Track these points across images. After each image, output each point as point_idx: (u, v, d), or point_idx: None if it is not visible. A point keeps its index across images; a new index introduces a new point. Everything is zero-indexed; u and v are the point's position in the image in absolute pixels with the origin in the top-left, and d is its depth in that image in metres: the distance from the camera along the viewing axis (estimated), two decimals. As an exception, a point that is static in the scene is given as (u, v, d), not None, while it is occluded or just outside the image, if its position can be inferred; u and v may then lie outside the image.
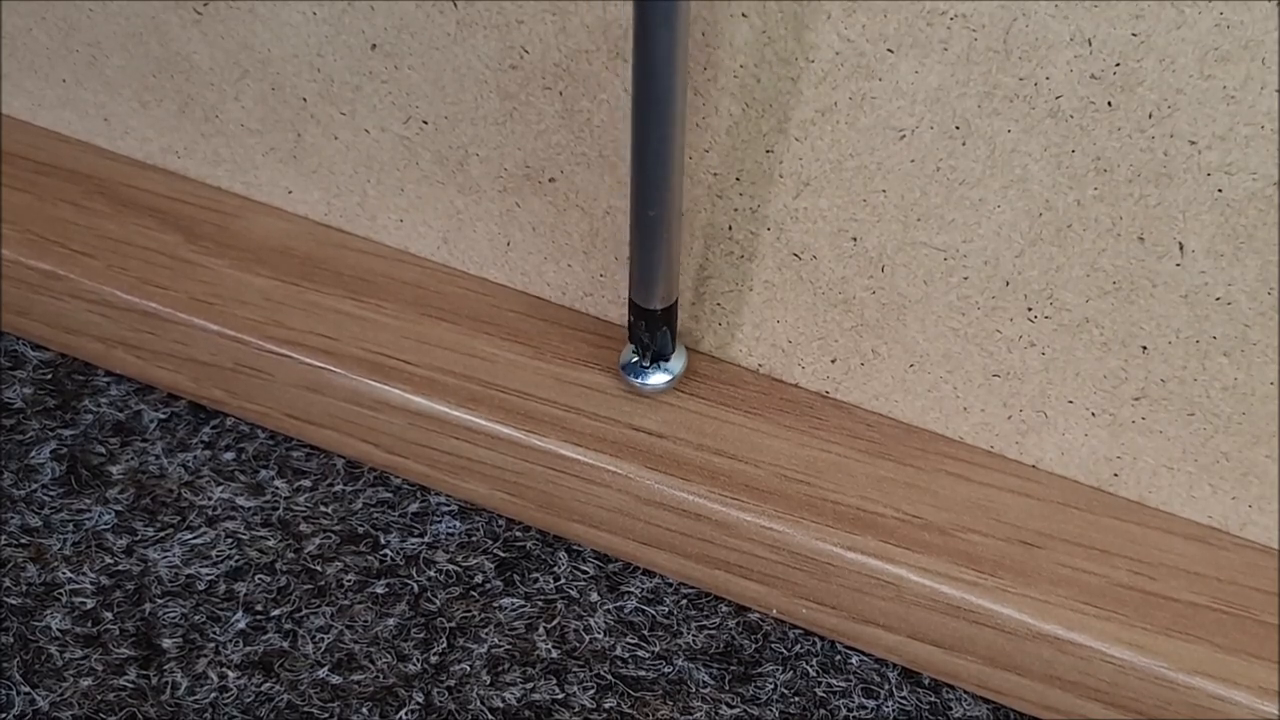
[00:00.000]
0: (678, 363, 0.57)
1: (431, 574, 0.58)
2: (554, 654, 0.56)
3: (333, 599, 0.57)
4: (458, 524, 0.60)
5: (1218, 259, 0.46)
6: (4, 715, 0.54)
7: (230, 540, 0.59)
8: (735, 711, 0.55)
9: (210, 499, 0.61)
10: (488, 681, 0.55)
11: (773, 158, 0.51)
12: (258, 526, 0.60)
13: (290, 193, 0.64)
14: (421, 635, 0.56)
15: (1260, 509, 0.52)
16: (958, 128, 0.47)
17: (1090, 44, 0.43)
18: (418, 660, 0.56)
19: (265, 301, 0.61)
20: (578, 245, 0.58)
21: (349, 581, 0.58)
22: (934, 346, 0.54)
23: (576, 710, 0.54)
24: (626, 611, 0.58)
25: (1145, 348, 0.50)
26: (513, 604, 0.57)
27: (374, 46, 0.56)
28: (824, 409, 0.58)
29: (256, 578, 0.58)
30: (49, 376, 0.65)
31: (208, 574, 0.58)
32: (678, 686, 0.55)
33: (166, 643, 0.56)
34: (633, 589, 0.58)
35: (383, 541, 0.59)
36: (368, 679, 0.55)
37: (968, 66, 0.45)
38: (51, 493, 0.61)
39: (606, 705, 0.55)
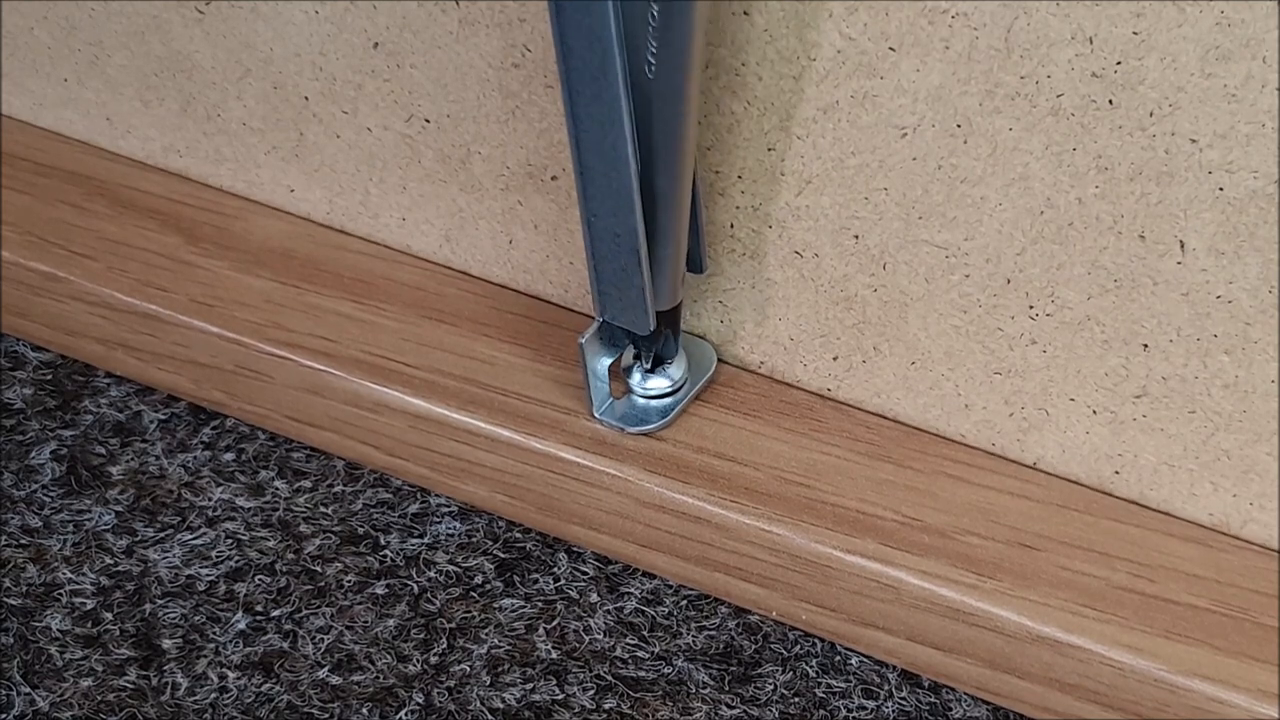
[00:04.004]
0: (678, 368, 0.57)
1: (431, 575, 0.58)
2: (554, 655, 0.56)
3: (333, 600, 0.57)
4: (458, 525, 0.60)
5: (1219, 257, 0.47)
6: (4, 715, 0.54)
7: (230, 541, 0.59)
8: (735, 712, 0.55)
9: (210, 500, 0.61)
10: (488, 682, 0.55)
11: (774, 156, 0.51)
12: (258, 527, 0.60)
13: (292, 191, 0.64)
14: (421, 636, 0.56)
15: (1261, 507, 0.52)
16: (959, 126, 0.47)
17: (1091, 42, 0.43)
18: (418, 661, 0.56)
19: (265, 303, 0.61)
20: (580, 243, 0.58)
21: (349, 582, 0.58)
22: (935, 344, 0.54)
23: (576, 711, 0.54)
24: (626, 612, 0.57)
25: (1146, 345, 0.50)
26: (513, 605, 0.57)
27: (376, 45, 0.56)
28: (823, 411, 0.58)
29: (256, 578, 0.58)
30: (49, 377, 0.65)
31: (208, 574, 0.58)
32: (678, 687, 0.55)
33: (166, 643, 0.56)
34: (632, 590, 0.58)
35: (383, 542, 0.59)
36: (368, 679, 0.55)
37: (969, 65, 0.46)
38: (51, 493, 0.61)
39: (606, 706, 0.55)
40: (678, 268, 0.52)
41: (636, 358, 0.57)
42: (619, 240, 0.50)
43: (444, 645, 0.56)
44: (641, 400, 0.57)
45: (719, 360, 0.59)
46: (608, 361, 0.56)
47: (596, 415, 0.56)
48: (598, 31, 0.43)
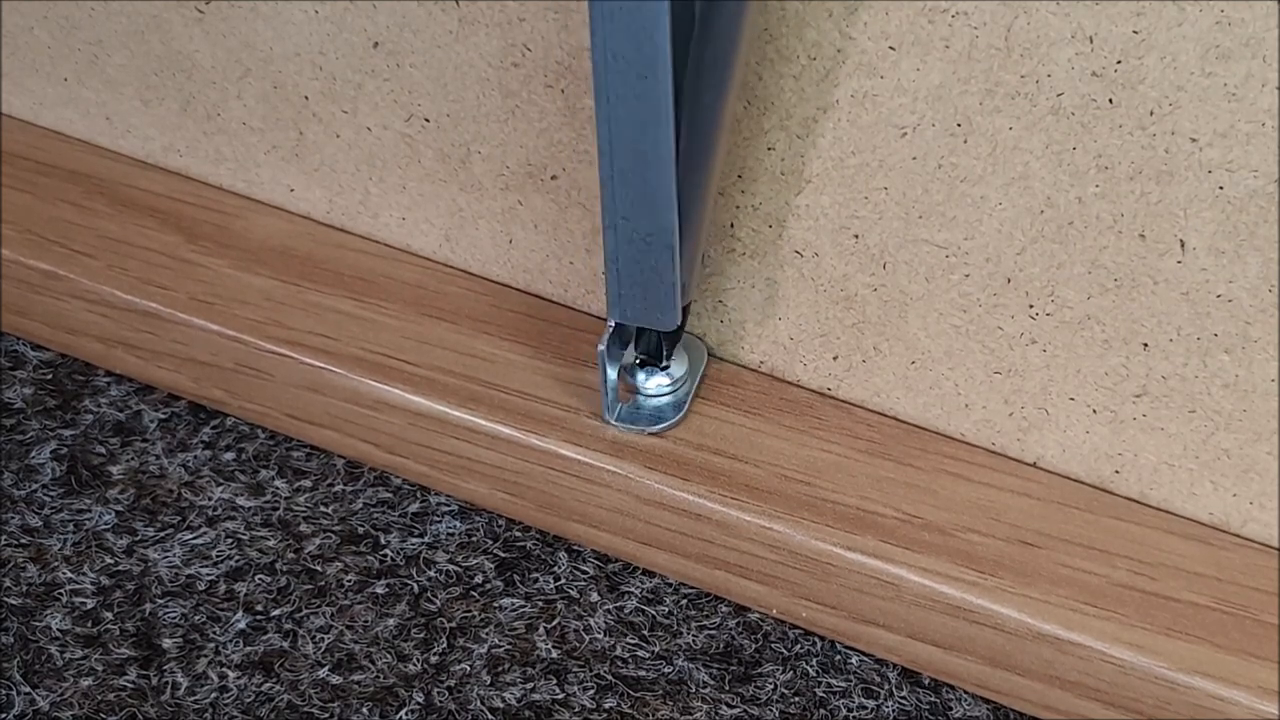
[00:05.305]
0: (679, 365, 0.57)
1: (431, 574, 0.58)
2: (554, 654, 0.56)
3: (333, 599, 0.57)
4: (458, 524, 0.60)
5: (1219, 256, 0.46)
6: (4, 715, 0.54)
7: (230, 540, 0.59)
8: (735, 711, 0.55)
9: (210, 499, 0.61)
10: (488, 681, 0.55)
11: (774, 155, 0.51)
12: (258, 526, 0.60)
13: (292, 191, 0.64)
14: (421, 635, 0.56)
15: (1261, 505, 0.52)
16: (959, 125, 0.47)
17: (1091, 41, 0.43)
18: (418, 660, 0.56)
19: (265, 301, 0.61)
20: (580, 243, 0.58)
21: (349, 581, 0.58)
22: (936, 344, 0.54)
23: (576, 710, 0.54)
24: (626, 611, 0.57)
25: (1146, 345, 0.50)
26: (513, 604, 0.57)
27: (376, 44, 0.56)
28: (824, 409, 0.58)
29: (256, 578, 0.58)
30: (49, 376, 0.65)
31: (208, 574, 0.58)
32: (678, 686, 0.55)
33: (167, 643, 0.56)
34: (633, 589, 0.58)
35: (383, 541, 0.59)
36: (368, 679, 0.55)
37: (969, 64, 0.45)
38: (51, 493, 0.61)
39: (606, 705, 0.55)
40: (696, 262, 0.52)
41: (640, 354, 0.57)
42: (650, 240, 0.49)
43: (444, 645, 0.56)
44: (648, 400, 0.57)
45: (709, 355, 0.59)
46: (618, 365, 0.56)
47: (612, 421, 0.56)
48: (649, 32, 0.42)
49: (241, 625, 0.57)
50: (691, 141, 0.46)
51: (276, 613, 0.57)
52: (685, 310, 0.54)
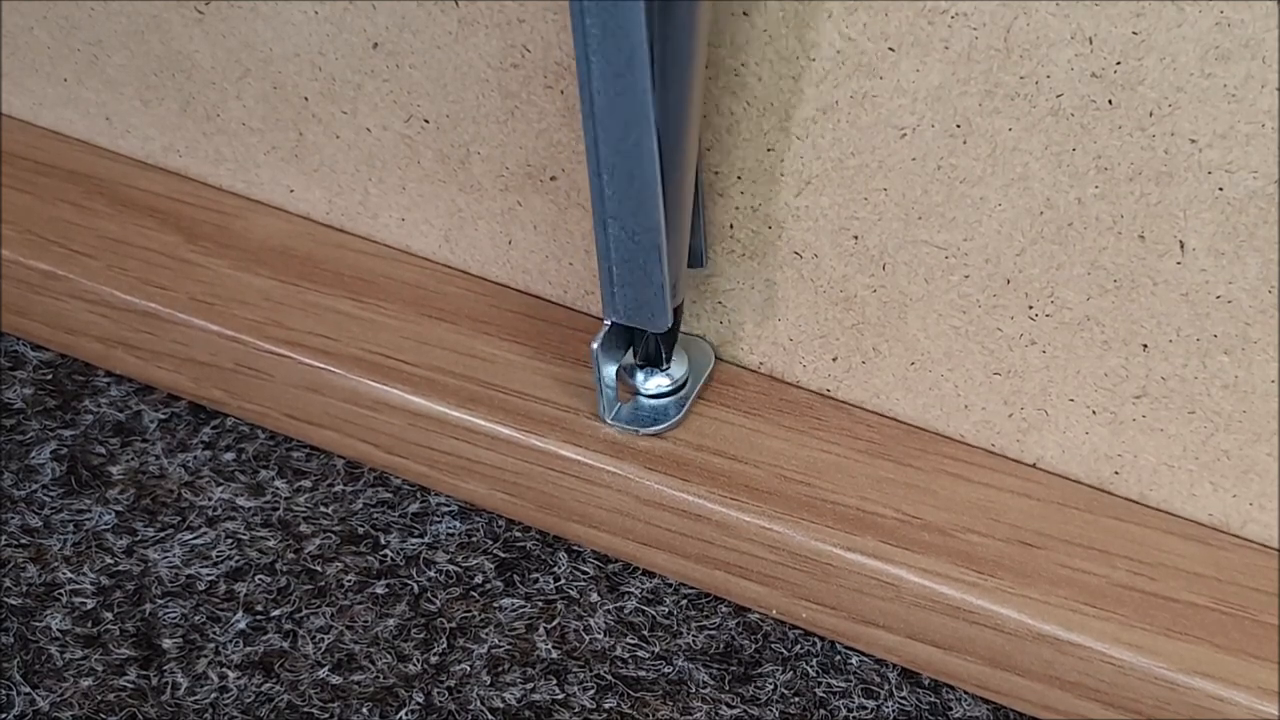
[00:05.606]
0: (679, 367, 0.57)
1: (431, 574, 0.58)
2: (554, 654, 0.56)
3: (333, 599, 0.57)
4: (458, 524, 0.60)
5: (1218, 257, 0.46)
6: (4, 715, 0.53)
7: (230, 540, 0.59)
8: (735, 711, 0.55)
9: (210, 499, 0.61)
10: (488, 682, 0.55)
11: (774, 156, 0.51)
12: (258, 527, 0.60)
13: (292, 191, 0.64)
14: (421, 635, 0.56)
15: (1261, 506, 0.52)
16: (959, 126, 0.47)
17: (1091, 42, 0.43)
18: (418, 660, 0.56)
19: (265, 302, 0.61)
20: (579, 243, 0.58)
21: (349, 582, 0.58)
22: (935, 344, 0.54)
23: (576, 710, 0.54)
24: (626, 612, 0.57)
25: (1146, 346, 0.50)
26: (513, 604, 0.57)
27: (375, 45, 0.56)
28: (824, 409, 0.58)
29: (256, 578, 0.58)
30: (49, 377, 0.65)
31: (208, 574, 0.58)
32: (678, 686, 0.55)
33: (166, 643, 0.56)
34: (633, 589, 0.58)
35: (383, 542, 0.59)
36: (368, 679, 0.55)
37: (969, 65, 0.45)
38: (51, 493, 0.61)
39: (606, 705, 0.55)
40: (682, 263, 0.52)
41: (639, 358, 0.57)
42: (639, 239, 0.49)
43: (444, 645, 0.56)
44: (648, 401, 0.57)
45: (717, 358, 0.59)
46: (615, 365, 0.56)
47: (609, 421, 0.56)
48: (627, 29, 0.43)
49: (241, 625, 0.57)
50: (665, 140, 0.46)
51: (276, 613, 0.57)
52: (677, 312, 0.54)
